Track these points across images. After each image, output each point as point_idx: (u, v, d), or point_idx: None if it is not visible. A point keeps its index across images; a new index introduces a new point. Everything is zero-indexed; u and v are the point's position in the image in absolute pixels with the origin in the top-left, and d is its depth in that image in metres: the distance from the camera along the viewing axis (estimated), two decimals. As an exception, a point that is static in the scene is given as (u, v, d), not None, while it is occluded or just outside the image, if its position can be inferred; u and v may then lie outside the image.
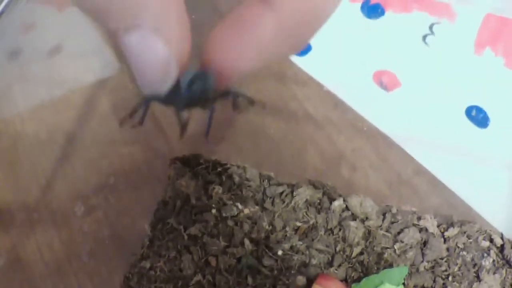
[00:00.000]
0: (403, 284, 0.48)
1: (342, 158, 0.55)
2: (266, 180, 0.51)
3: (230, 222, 0.50)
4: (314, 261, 0.48)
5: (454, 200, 0.55)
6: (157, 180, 0.54)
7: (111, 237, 0.54)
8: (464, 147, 0.59)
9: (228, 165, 0.52)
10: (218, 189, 0.51)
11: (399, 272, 0.47)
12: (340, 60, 0.63)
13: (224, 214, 0.50)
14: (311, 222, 0.49)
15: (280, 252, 0.48)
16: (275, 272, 0.48)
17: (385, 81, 0.61)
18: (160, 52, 0.19)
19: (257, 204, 0.50)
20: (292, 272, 0.48)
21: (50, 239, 0.57)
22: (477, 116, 0.58)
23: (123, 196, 0.56)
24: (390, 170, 0.55)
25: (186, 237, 0.49)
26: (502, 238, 0.52)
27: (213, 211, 0.50)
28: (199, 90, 0.23)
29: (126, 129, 0.26)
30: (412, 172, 0.56)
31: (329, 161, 0.55)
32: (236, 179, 0.51)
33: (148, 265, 0.49)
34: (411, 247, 0.49)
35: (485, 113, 0.58)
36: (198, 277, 0.48)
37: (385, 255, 0.48)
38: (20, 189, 0.60)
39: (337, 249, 0.49)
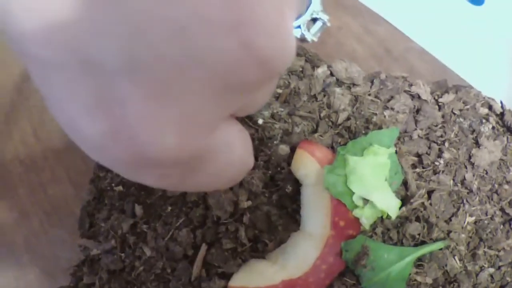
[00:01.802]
0: (396, 151, 0.44)
1: (327, 34, 0.52)
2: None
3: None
4: (297, 129, 0.45)
5: (449, 75, 0.51)
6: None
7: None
8: (459, 25, 0.55)
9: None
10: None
11: (389, 133, 0.43)
12: None
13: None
14: (292, 87, 0.45)
15: (260, 121, 0.45)
16: (256, 142, 0.45)
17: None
18: None
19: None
20: (275, 142, 0.45)
21: (25, 136, 0.55)
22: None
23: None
24: (379, 46, 0.52)
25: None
26: (502, 105, 0.48)
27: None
28: None
29: None
30: (404, 49, 0.53)
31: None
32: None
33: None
34: (403, 113, 0.46)
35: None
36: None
37: (374, 119, 0.45)
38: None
39: (322, 115, 0.45)
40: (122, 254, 0.43)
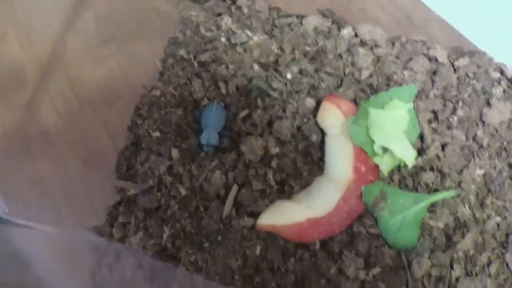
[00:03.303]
0: (414, 107, 0.48)
1: (351, 2, 0.55)
2: (275, 12, 0.51)
3: (239, 49, 0.50)
4: (323, 84, 0.48)
5: (465, 43, 0.55)
6: (166, 23, 0.54)
7: (121, 78, 0.54)
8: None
9: (237, -2, 0.52)
10: (228, 20, 0.51)
11: (409, 90, 0.47)
12: None
13: (233, 41, 0.50)
14: (319, 45, 0.49)
15: (289, 76, 0.48)
16: (284, 95, 0.48)
17: None
18: None
19: (266, 33, 0.50)
20: (302, 95, 0.48)
21: (63, 91, 0.58)
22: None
23: (136, 43, 0.56)
24: (401, 14, 0.55)
25: (196, 64, 0.50)
26: (513, 71, 0.52)
27: (223, 39, 0.50)
28: None
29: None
30: (424, 17, 0.56)
31: (339, 3, 0.55)
32: (245, 10, 0.51)
33: (158, 93, 0.50)
34: (421, 74, 0.49)
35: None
36: (206, 101, 0.48)
37: (395, 77, 0.48)
38: (32, 45, 0.61)
39: (346, 72, 0.49)
40: (159, 194, 0.47)
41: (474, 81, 0.50)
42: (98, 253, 0.49)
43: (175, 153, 0.47)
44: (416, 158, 0.46)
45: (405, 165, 0.45)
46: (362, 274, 0.44)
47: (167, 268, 0.47)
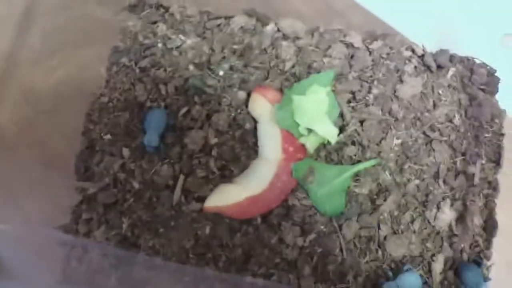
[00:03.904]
0: (333, 90, 0.54)
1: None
2: (205, 15, 0.57)
3: (175, 53, 0.55)
4: (252, 78, 0.54)
5: (381, 25, 0.61)
6: (109, 32, 0.59)
7: (71, 87, 0.59)
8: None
9: (170, 6, 0.57)
10: (163, 27, 0.56)
11: (326, 75, 0.53)
12: None
13: (169, 46, 0.55)
14: (245, 42, 0.54)
15: (221, 73, 0.54)
16: (218, 90, 0.54)
17: None
18: None
19: (198, 36, 0.56)
20: (234, 89, 0.54)
21: (18, 103, 0.62)
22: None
23: (82, 52, 0.61)
24: (322, 3, 0.61)
25: (137, 70, 0.55)
26: (423, 48, 0.58)
27: (159, 45, 0.55)
28: None
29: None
30: (343, 5, 0.62)
31: (261, 2, 0.60)
32: (178, 16, 0.56)
33: (106, 99, 0.55)
34: (339, 59, 0.55)
35: None
36: (149, 103, 0.54)
37: (315, 65, 0.54)
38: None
39: (271, 65, 0.55)
40: (115, 190, 0.52)
41: (388, 61, 0.57)
42: (67, 249, 0.54)
43: (126, 152, 0.53)
44: (338, 135, 0.52)
45: (329, 142, 0.52)
46: (299, 241, 0.51)
47: (129, 255, 0.53)
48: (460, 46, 0.61)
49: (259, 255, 0.51)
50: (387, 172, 0.53)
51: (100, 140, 0.54)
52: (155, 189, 0.52)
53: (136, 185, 0.52)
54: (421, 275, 0.50)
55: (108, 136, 0.54)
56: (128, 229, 0.52)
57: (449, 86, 0.57)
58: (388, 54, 0.57)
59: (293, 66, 0.54)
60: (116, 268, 0.52)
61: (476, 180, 0.55)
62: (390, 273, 0.50)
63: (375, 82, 0.55)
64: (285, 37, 0.56)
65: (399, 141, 0.54)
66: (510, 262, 0.56)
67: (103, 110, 0.54)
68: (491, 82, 0.59)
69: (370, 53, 0.57)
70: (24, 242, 0.55)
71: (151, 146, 0.51)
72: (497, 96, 0.59)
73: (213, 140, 0.52)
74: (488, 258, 0.54)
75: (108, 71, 0.56)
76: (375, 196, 0.52)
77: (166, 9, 0.57)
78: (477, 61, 0.59)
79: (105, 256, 0.53)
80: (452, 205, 0.53)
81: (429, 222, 0.53)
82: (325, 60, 0.55)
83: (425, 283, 0.52)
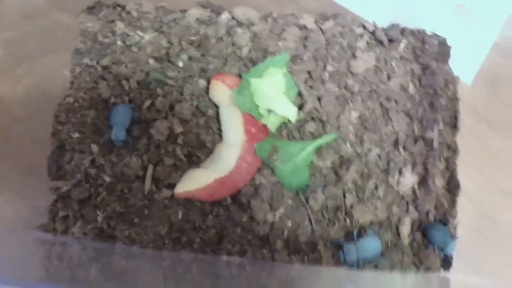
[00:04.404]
0: (289, 71, 0.56)
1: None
2: (161, 10, 0.59)
3: (135, 49, 0.57)
4: (211, 66, 0.56)
5: (333, 6, 0.63)
6: (69, 35, 0.61)
7: (39, 93, 0.61)
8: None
9: (126, 4, 0.59)
10: (120, 25, 0.58)
11: (282, 58, 0.55)
12: None
13: (128, 43, 0.57)
14: (202, 33, 0.56)
15: (181, 64, 0.56)
16: (180, 81, 0.56)
17: None
18: None
19: (156, 31, 0.58)
20: (194, 78, 0.56)
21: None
22: None
23: (46, 58, 0.62)
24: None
25: (100, 69, 0.57)
26: (374, 25, 0.60)
27: (119, 42, 0.57)
28: None
29: None
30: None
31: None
32: (135, 14, 0.58)
33: (72, 99, 0.56)
34: (294, 42, 0.57)
35: None
36: (113, 99, 0.56)
37: (270, 49, 0.56)
38: None
39: (229, 52, 0.57)
40: (87, 185, 0.54)
41: (341, 39, 0.59)
42: (47, 247, 0.56)
43: (95, 148, 0.54)
44: (298, 113, 0.54)
45: (289, 121, 0.54)
46: (270, 217, 0.53)
47: (107, 247, 0.55)
48: (411, 19, 0.63)
49: (232, 234, 0.52)
50: (348, 144, 0.55)
51: (69, 139, 0.55)
52: (126, 181, 0.53)
53: (107, 178, 0.53)
54: (390, 240, 0.53)
55: (77, 135, 0.55)
56: (103, 222, 0.53)
57: (401, 58, 0.59)
58: (340, 32, 0.59)
59: (249, 52, 0.57)
60: (95, 260, 0.54)
61: (435, 144, 0.57)
62: (355, 234, 0.52)
63: (330, 60, 0.57)
64: (239, 24, 0.58)
65: (357, 114, 0.56)
66: (474, 220, 0.59)
67: (70, 111, 0.56)
68: (442, 51, 0.61)
69: (323, 33, 0.59)
70: (4, 246, 0.56)
71: (118, 140, 0.53)
72: (450, 64, 0.61)
73: (178, 129, 0.54)
74: (453, 217, 0.56)
75: (72, 73, 0.57)
76: (338, 168, 0.55)
77: (123, 8, 0.59)
78: (428, 32, 0.62)
79: (84, 250, 0.55)
80: (413, 169, 0.56)
81: (392, 188, 0.55)
82: (280, 43, 0.57)
83: (394, 245, 0.54)
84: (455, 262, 0.55)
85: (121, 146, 0.53)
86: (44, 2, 0.62)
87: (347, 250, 0.50)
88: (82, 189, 0.54)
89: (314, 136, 0.55)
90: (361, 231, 0.53)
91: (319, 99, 0.56)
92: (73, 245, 0.55)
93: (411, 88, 0.58)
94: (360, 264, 0.51)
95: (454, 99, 0.60)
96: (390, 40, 0.59)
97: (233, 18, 0.58)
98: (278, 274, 0.51)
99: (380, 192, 0.55)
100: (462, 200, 0.58)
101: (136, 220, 0.53)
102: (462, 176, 0.59)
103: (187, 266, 0.52)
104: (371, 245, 0.51)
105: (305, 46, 0.58)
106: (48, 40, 0.63)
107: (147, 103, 0.55)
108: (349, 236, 0.53)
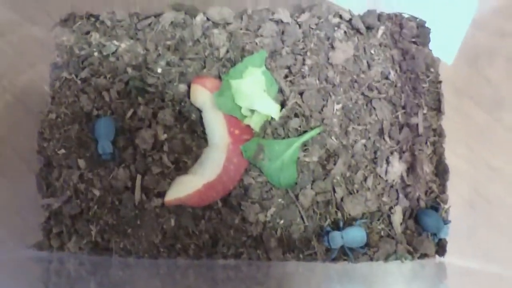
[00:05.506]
0: (268, 68, 0.56)
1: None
2: (135, 17, 0.58)
3: (112, 58, 0.57)
4: (190, 70, 0.56)
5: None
6: (46, 49, 0.60)
7: (21, 110, 0.60)
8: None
9: (99, 14, 0.58)
10: (96, 35, 0.57)
11: (259, 56, 0.55)
12: None
13: (105, 53, 0.56)
14: (177, 37, 0.56)
15: (159, 70, 0.56)
16: (160, 87, 0.56)
17: None
18: None
19: (131, 38, 0.57)
20: (174, 84, 0.56)
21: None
22: None
23: (24, 74, 0.62)
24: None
25: (79, 82, 0.56)
26: (350, 13, 0.60)
27: (95, 54, 0.57)
28: None
29: None
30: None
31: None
32: (109, 23, 0.58)
33: (54, 115, 0.56)
34: (271, 37, 0.57)
35: None
36: (96, 112, 0.55)
37: (248, 47, 0.56)
38: None
39: (206, 54, 0.56)
40: (78, 200, 0.54)
41: (318, 31, 0.58)
42: (44, 265, 0.56)
43: (81, 163, 0.54)
44: (280, 110, 0.54)
45: (273, 118, 0.54)
46: (261, 217, 0.53)
47: (104, 259, 0.55)
48: (388, 3, 0.62)
49: (226, 237, 0.53)
50: (333, 137, 0.55)
51: (56, 155, 0.55)
52: (116, 193, 0.53)
53: (96, 192, 0.54)
54: (383, 230, 0.53)
55: (62, 151, 0.55)
56: (97, 235, 0.54)
57: (380, 44, 0.59)
58: (316, 24, 0.59)
59: (227, 52, 0.56)
60: (93, 274, 0.54)
61: (421, 129, 0.57)
62: (341, 223, 0.52)
63: (308, 53, 0.57)
64: (215, 25, 0.57)
65: (340, 105, 0.56)
66: (467, 199, 0.59)
67: (54, 126, 0.56)
68: (421, 34, 0.61)
69: (300, 26, 0.58)
70: (1, 267, 0.57)
71: (106, 153, 0.53)
72: (430, 46, 0.61)
73: (163, 136, 0.54)
74: (444, 202, 0.57)
75: (52, 88, 0.57)
76: (325, 162, 0.55)
77: (97, 18, 0.58)
78: (406, 16, 0.61)
79: (81, 265, 0.55)
80: (400, 157, 0.56)
81: (381, 177, 0.56)
82: (257, 40, 0.57)
83: (388, 235, 0.55)
84: (450, 243, 0.55)
85: (108, 159, 0.53)
86: (14, 16, 0.61)
87: (331, 236, 0.51)
88: (73, 205, 0.54)
89: (298, 132, 0.55)
90: (352, 223, 0.53)
91: (300, 94, 0.55)
92: (70, 261, 0.56)
93: (392, 75, 0.58)
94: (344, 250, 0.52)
95: (436, 82, 0.59)
96: (368, 28, 0.59)
97: (208, 19, 0.57)
98: (275, 272, 0.52)
99: (369, 182, 0.55)
100: (454, 179, 0.58)
101: (129, 230, 0.53)
102: (452, 155, 0.59)
103: (184, 272, 0.53)
104: (355, 233, 0.51)
105: (282, 41, 0.57)
106: (25, 55, 0.63)
107: (130, 112, 0.55)
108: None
